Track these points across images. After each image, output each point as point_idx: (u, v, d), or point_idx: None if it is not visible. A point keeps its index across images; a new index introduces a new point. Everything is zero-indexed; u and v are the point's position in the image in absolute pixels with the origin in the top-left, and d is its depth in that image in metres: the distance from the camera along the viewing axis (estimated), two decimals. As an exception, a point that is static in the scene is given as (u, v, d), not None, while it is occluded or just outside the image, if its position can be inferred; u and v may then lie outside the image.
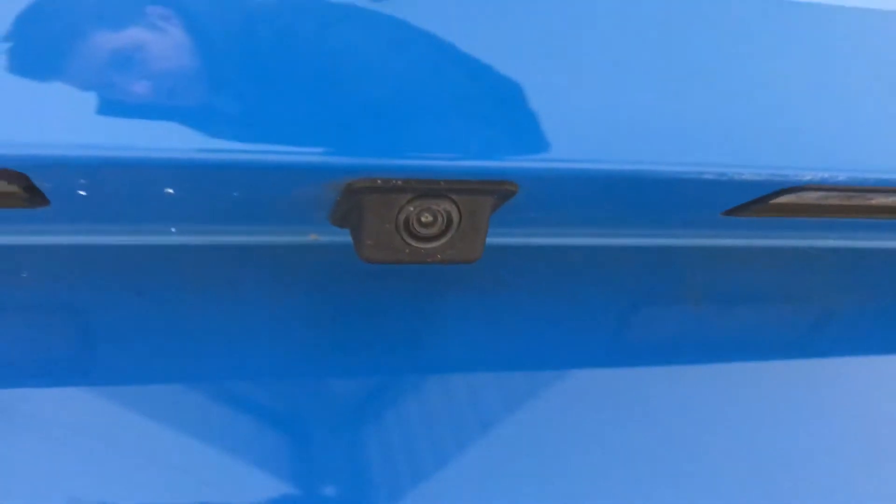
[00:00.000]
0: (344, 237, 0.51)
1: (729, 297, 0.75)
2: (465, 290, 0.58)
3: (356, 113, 0.41)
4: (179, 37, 0.46)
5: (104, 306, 0.63)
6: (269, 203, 0.51)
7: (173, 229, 0.64)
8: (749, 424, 0.69)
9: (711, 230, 0.73)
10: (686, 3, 0.51)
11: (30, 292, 0.63)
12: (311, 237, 0.57)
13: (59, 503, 0.57)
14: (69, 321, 0.64)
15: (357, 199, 0.42)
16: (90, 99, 0.46)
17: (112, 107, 0.45)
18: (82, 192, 0.54)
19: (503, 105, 0.42)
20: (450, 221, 0.44)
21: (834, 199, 0.65)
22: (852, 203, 0.68)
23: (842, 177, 0.55)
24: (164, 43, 0.45)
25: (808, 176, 0.54)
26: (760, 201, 0.59)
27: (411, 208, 0.43)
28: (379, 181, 0.41)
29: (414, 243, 0.43)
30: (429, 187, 0.42)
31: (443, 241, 0.44)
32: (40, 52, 0.47)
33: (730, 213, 0.62)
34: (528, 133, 0.42)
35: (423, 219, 0.43)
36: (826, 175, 0.54)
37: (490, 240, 0.49)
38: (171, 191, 0.52)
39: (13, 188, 0.52)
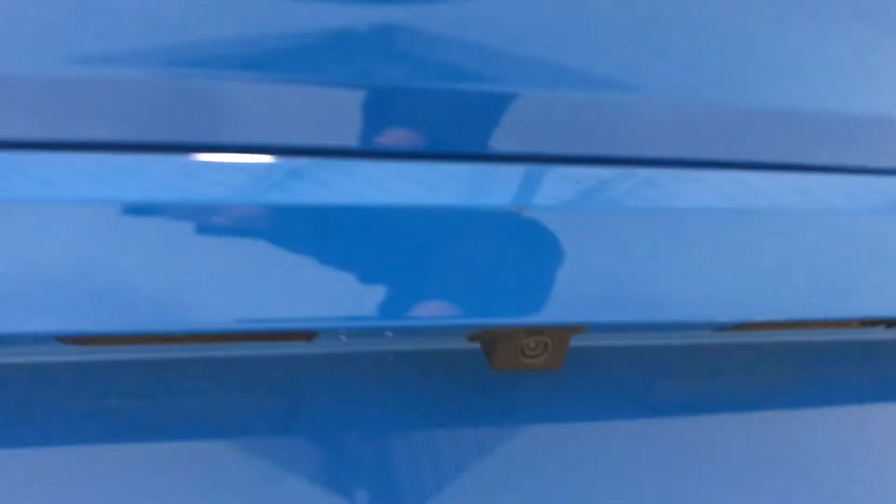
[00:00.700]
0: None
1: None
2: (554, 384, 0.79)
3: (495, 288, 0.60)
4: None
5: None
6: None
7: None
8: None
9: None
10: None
11: None
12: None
13: None
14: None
15: (493, 334, 0.69)
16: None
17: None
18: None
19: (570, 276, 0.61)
20: (546, 346, 0.71)
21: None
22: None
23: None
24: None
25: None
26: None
27: (524, 340, 0.69)
28: (510, 330, 0.68)
29: (524, 360, 0.70)
30: (537, 330, 0.68)
31: (542, 357, 0.70)
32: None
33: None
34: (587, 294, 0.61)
35: (531, 345, 0.70)
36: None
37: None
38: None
39: None
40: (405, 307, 0.57)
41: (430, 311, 0.57)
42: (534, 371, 0.71)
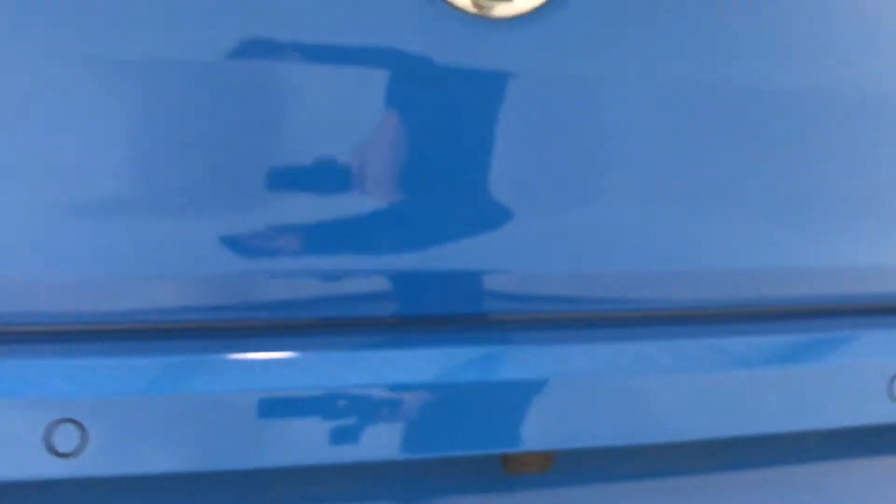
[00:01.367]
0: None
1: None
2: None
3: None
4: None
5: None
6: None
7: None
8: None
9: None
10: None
11: None
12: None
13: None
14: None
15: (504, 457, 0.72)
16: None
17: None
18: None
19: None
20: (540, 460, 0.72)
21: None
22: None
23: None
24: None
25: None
26: None
27: (526, 458, 0.71)
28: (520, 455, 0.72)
29: (521, 468, 0.73)
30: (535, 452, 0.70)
31: (535, 466, 0.71)
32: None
33: None
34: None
35: (526, 460, 0.71)
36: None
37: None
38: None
39: None
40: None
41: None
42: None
